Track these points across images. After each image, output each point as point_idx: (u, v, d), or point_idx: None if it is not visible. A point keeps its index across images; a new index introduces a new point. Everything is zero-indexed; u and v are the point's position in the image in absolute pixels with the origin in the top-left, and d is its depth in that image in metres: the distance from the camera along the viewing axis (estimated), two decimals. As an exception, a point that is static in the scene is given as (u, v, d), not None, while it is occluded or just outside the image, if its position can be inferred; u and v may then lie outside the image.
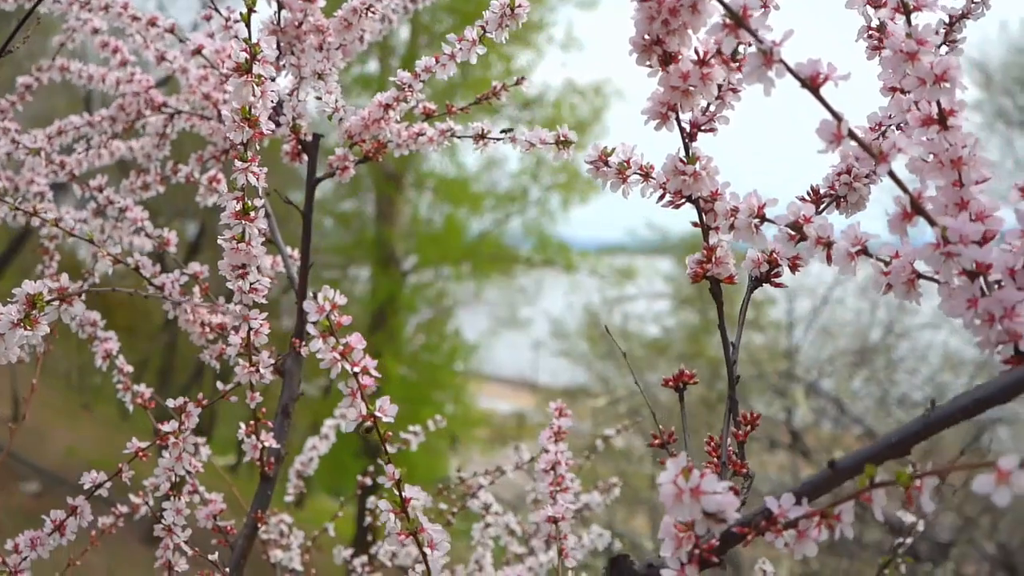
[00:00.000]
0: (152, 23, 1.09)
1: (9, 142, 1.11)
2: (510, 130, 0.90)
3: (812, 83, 0.50)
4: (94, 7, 1.11)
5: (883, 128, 0.68)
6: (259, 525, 0.99)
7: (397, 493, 0.64)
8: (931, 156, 0.54)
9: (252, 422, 0.96)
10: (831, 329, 7.01)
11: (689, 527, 0.53)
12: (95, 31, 1.19)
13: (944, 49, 0.72)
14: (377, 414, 0.63)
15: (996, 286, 0.52)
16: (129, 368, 1.11)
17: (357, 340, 0.63)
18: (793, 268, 0.67)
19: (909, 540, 1.09)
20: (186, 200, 1.15)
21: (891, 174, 0.51)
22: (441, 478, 1.37)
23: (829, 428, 6.36)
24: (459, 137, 0.97)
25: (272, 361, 0.90)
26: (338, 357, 0.62)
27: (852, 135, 0.50)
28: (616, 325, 9.05)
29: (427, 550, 0.64)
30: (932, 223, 0.51)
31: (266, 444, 0.97)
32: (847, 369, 6.30)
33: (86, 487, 0.91)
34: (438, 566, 0.64)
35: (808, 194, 0.68)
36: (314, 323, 0.61)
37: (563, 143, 0.83)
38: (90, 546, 1.11)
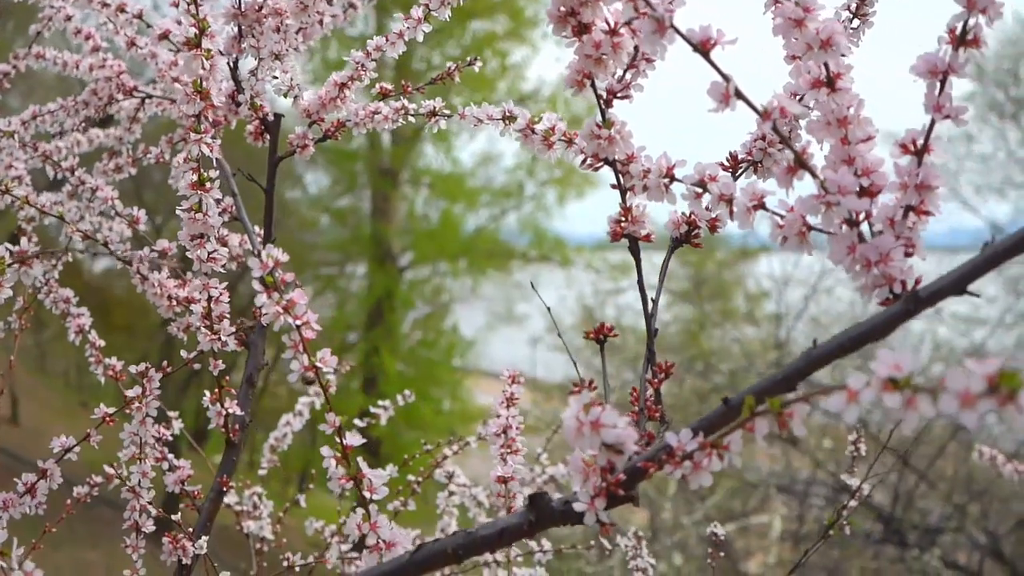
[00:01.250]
0: (121, 9, 1.13)
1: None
2: (449, 115, 0.94)
3: (703, 47, 0.55)
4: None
5: (798, 97, 0.72)
6: (224, 490, 1.03)
7: (338, 440, 0.69)
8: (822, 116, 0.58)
9: (217, 390, 1.00)
10: (821, 320, 7.06)
11: (595, 462, 0.57)
12: (68, 18, 1.22)
13: (856, 22, 0.76)
14: (318, 364, 0.67)
15: (879, 235, 0.56)
16: (101, 342, 1.15)
17: (299, 296, 0.67)
18: (712, 229, 0.71)
19: (853, 503, 1.13)
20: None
21: (775, 130, 0.55)
22: (410, 453, 1.41)
23: (819, 418, 6.41)
24: (413, 115, 1.01)
25: (233, 329, 0.94)
26: (281, 311, 0.66)
27: (739, 95, 0.54)
28: (610, 317, 9.07)
29: (367, 494, 0.68)
30: (814, 175, 0.55)
31: (231, 411, 1.01)
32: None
33: (55, 451, 0.96)
34: (378, 511, 0.69)
35: (727, 159, 0.72)
36: (258, 279, 0.65)
37: (509, 119, 0.87)
38: (65, 515, 1.16)
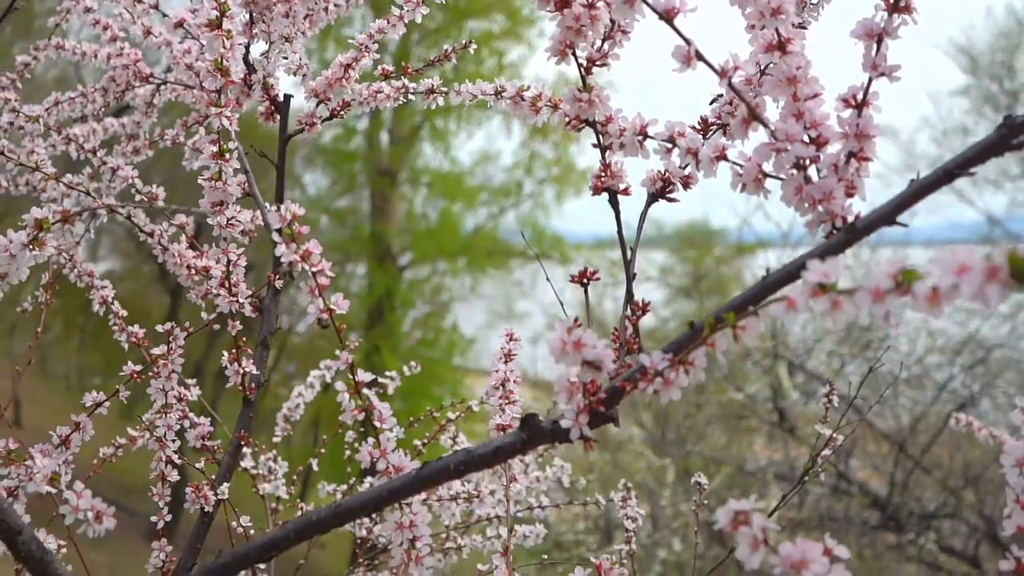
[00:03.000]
0: (137, 0, 1.21)
1: (10, 111, 1.23)
2: (446, 92, 1.02)
3: (668, 15, 0.63)
4: (86, -14, 1.23)
5: (759, 63, 0.79)
6: (242, 444, 1.11)
7: (351, 376, 0.77)
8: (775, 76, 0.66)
9: (234, 350, 1.08)
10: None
11: (579, 384, 0.65)
12: (87, 10, 1.30)
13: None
14: (332, 307, 0.75)
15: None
16: (124, 312, 1.22)
17: (315, 246, 0.75)
18: (685, 185, 0.78)
19: (828, 451, 1.21)
20: (183, 199, 1.26)
21: (731, 87, 0.63)
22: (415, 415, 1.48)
23: (815, 407, 6.49)
24: (412, 94, 1.09)
25: (249, 293, 1.02)
26: (299, 259, 0.74)
27: (699, 56, 0.62)
28: (609, 311, 9.13)
29: (377, 424, 0.76)
30: (765, 125, 0.63)
31: (247, 370, 1.09)
32: (834, 346, 6.43)
33: (87, 405, 1.03)
34: (388, 439, 0.77)
35: (698, 122, 0.80)
36: (278, 231, 0.73)
37: (500, 92, 0.94)
38: (92, 473, 1.24)
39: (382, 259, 11.10)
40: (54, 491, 0.76)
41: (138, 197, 1.20)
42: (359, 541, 1.50)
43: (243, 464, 1.40)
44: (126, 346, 1.20)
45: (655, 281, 10.58)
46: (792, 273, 0.62)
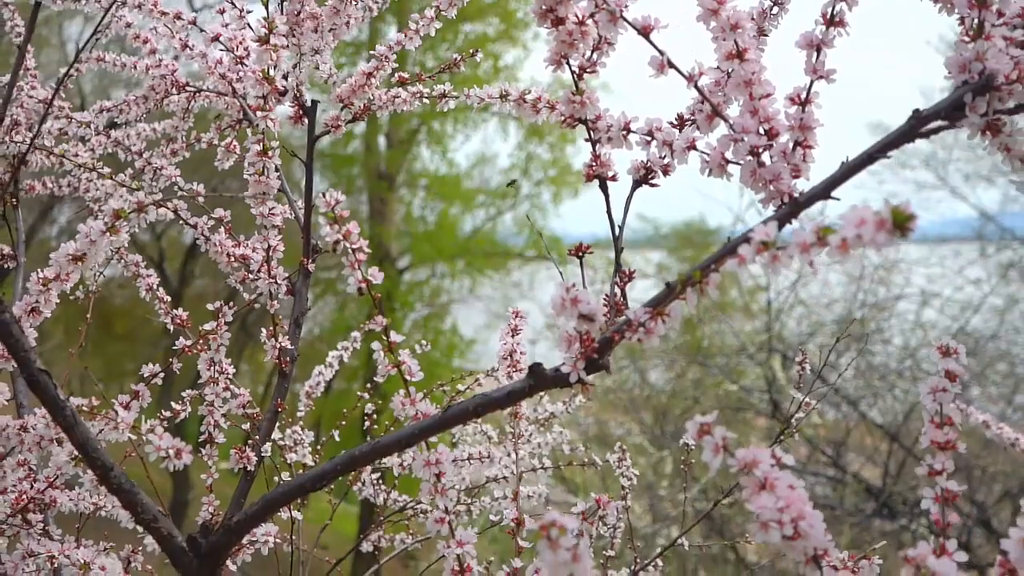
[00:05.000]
0: (177, 17, 1.35)
1: (64, 118, 1.37)
2: (456, 96, 1.17)
3: (644, 31, 0.77)
4: (129, 5, 1.37)
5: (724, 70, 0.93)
6: (279, 410, 1.25)
7: (385, 337, 0.91)
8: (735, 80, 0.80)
9: (272, 327, 1.22)
10: (810, 303, 7.29)
11: (576, 336, 0.79)
12: (128, 25, 1.44)
13: (777, 9, 0.98)
14: (368, 277, 0.89)
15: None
16: (168, 297, 1.37)
17: (354, 227, 0.89)
18: (664, 172, 0.93)
19: (801, 415, 1.35)
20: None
21: (698, 90, 0.77)
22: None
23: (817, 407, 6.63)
24: (426, 98, 1.23)
25: (287, 274, 1.16)
26: (341, 238, 0.88)
27: (671, 64, 0.77)
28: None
29: (407, 377, 0.90)
30: (725, 120, 0.77)
31: (283, 345, 1.23)
32: (828, 339, 6.58)
33: (145, 375, 1.17)
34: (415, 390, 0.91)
35: (676, 119, 0.94)
36: (324, 214, 0.87)
37: (504, 96, 1.09)
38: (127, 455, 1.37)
39: (381, 262, 11.22)
40: (135, 438, 0.89)
41: (180, 193, 1.34)
42: (374, 508, 1.64)
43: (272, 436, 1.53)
44: (171, 327, 1.34)
45: (652, 279, 10.74)
46: (746, 237, 0.76)
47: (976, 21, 0.70)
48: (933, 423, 0.74)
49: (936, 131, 0.72)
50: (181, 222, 1.26)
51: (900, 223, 0.54)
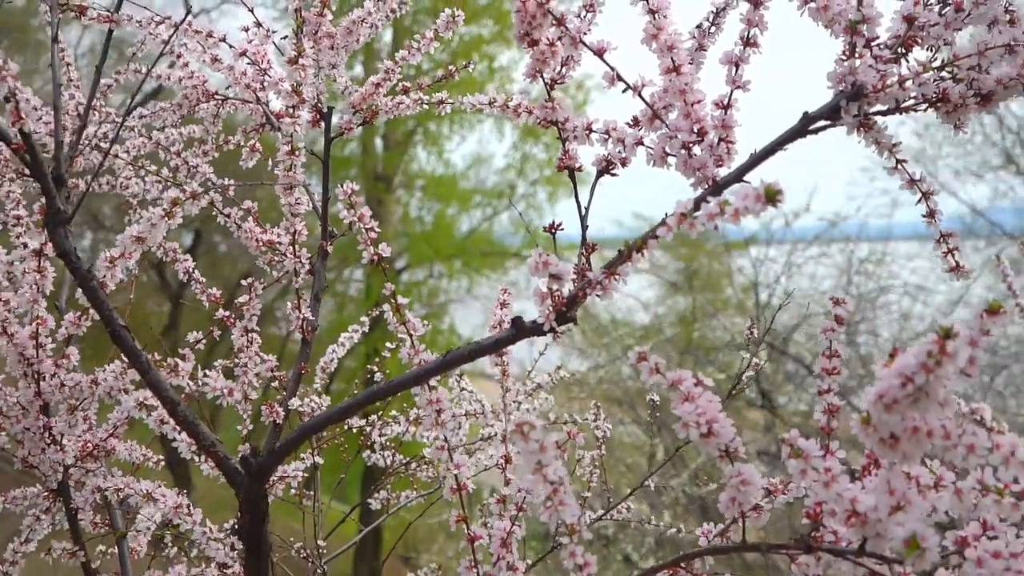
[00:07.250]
0: (209, 35, 1.56)
1: (111, 123, 1.58)
2: (453, 103, 1.38)
3: (599, 52, 0.98)
4: (166, 25, 1.58)
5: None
6: (303, 373, 1.46)
7: (394, 300, 1.12)
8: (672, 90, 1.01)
9: (296, 300, 1.43)
10: (797, 296, 7.51)
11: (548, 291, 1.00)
12: (164, 42, 1.65)
13: (714, 28, 1.19)
14: (379, 252, 1.10)
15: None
16: (202, 279, 1.57)
17: (367, 211, 1.10)
18: (623, 164, 1.13)
19: (751, 372, 1.55)
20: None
21: (641, 98, 0.98)
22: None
23: (794, 389, 6.86)
24: (426, 104, 1.44)
25: (309, 255, 1.37)
26: (356, 220, 1.09)
27: (619, 77, 0.98)
28: (601, 305, 9.48)
29: (412, 332, 1.11)
30: (663, 121, 0.99)
31: (306, 316, 1.44)
32: (813, 330, 6.80)
33: (191, 341, 1.38)
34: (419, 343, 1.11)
35: (631, 119, 1.15)
36: (341, 200, 1.08)
37: (492, 103, 1.30)
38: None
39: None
40: (193, 385, 1.10)
41: (213, 188, 1.55)
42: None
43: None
44: (207, 304, 1.54)
45: (648, 277, 10.95)
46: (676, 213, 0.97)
47: (849, 43, 0.91)
48: (824, 355, 0.95)
49: (822, 129, 0.93)
50: (216, 211, 1.47)
51: (771, 197, 0.75)
